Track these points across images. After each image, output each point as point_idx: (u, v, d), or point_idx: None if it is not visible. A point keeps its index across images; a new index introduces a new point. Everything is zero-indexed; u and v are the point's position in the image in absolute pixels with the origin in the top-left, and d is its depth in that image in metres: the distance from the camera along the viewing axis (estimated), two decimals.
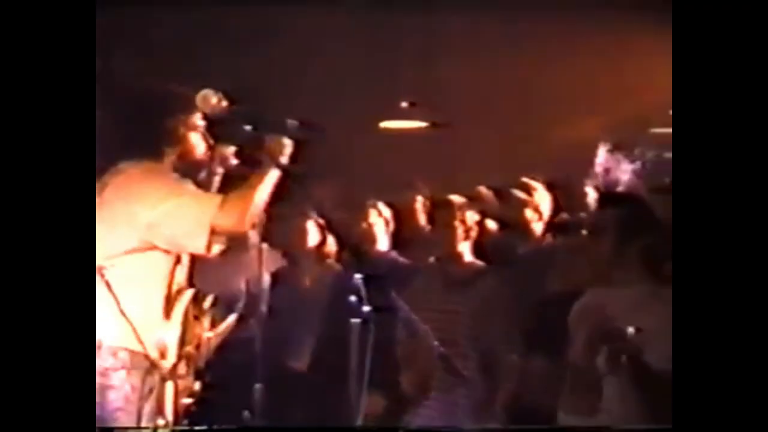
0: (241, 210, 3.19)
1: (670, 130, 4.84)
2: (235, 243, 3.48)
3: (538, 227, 3.80)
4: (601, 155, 4.02)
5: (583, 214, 3.87)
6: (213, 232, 3.12)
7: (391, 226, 4.36)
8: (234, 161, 3.35)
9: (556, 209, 3.87)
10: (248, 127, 3.25)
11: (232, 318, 3.46)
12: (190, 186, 3.17)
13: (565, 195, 4.03)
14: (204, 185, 3.27)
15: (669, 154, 4.07)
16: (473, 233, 3.79)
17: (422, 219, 4.15)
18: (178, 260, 3.23)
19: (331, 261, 4.31)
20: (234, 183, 3.36)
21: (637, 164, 4.01)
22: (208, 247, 3.12)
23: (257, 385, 3.51)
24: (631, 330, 3.02)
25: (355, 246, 4.35)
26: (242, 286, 3.69)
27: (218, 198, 3.14)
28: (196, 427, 3.25)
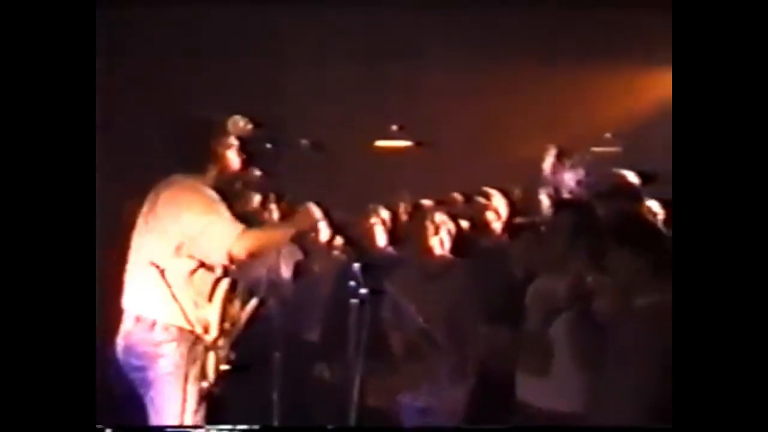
0: (253, 247, 3.36)
1: (608, 149, 5.42)
2: None
3: (497, 226, 4.23)
4: (549, 160, 4.34)
5: (537, 217, 4.24)
6: (230, 259, 3.30)
7: (388, 225, 4.65)
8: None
9: (513, 212, 4.29)
10: (268, 145, 3.53)
11: (254, 301, 3.60)
12: (222, 207, 3.34)
13: (524, 200, 4.45)
14: (237, 196, 3.56)
15: (611, 168, 4.33)
16: (441, 231, 4.10)
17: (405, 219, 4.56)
18: None
19: (337, 253, 4.63)
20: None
21: (580, 170, 4.31)
22: (231, 262, 3.34)
23: (276, 354, 3.84)
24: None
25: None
26: (265, 274, 3.95)
27: (239, 228, 3.30)
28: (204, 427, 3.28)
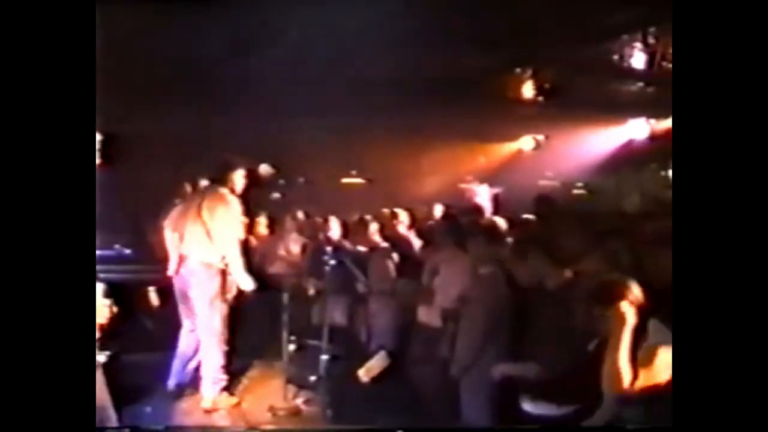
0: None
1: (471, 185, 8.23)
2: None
3: (403, 228, 6.75)
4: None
5: (431, 221, 6.70)
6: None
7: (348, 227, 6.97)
8: None
9: (413, 220, 6.77)
10: (282, 181, 5.71)
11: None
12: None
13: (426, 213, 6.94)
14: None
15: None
16: (385, 228, 6.40)
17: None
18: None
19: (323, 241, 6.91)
20: None
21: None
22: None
23: (285, 294, 5.57)
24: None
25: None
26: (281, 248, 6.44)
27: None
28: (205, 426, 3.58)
